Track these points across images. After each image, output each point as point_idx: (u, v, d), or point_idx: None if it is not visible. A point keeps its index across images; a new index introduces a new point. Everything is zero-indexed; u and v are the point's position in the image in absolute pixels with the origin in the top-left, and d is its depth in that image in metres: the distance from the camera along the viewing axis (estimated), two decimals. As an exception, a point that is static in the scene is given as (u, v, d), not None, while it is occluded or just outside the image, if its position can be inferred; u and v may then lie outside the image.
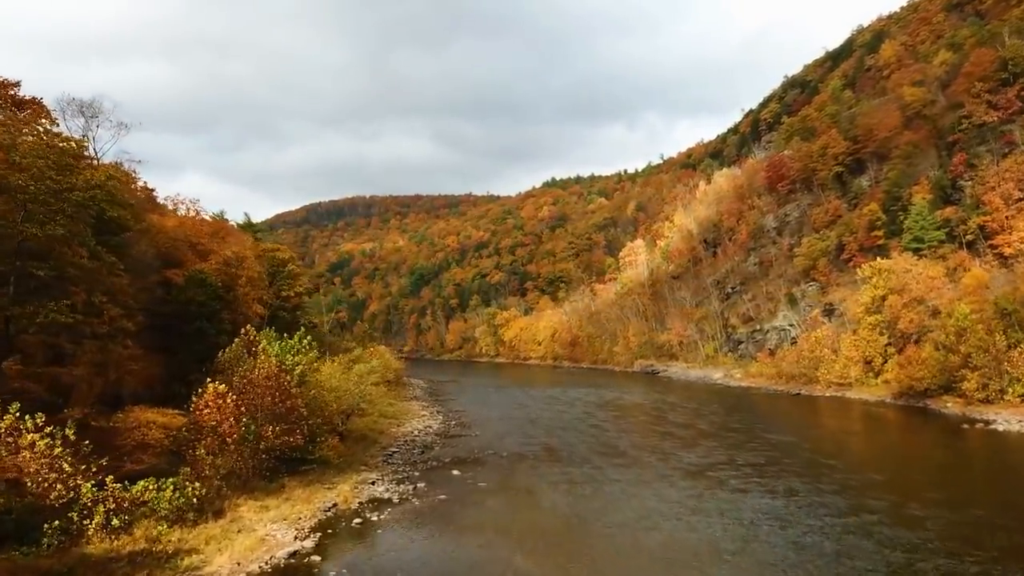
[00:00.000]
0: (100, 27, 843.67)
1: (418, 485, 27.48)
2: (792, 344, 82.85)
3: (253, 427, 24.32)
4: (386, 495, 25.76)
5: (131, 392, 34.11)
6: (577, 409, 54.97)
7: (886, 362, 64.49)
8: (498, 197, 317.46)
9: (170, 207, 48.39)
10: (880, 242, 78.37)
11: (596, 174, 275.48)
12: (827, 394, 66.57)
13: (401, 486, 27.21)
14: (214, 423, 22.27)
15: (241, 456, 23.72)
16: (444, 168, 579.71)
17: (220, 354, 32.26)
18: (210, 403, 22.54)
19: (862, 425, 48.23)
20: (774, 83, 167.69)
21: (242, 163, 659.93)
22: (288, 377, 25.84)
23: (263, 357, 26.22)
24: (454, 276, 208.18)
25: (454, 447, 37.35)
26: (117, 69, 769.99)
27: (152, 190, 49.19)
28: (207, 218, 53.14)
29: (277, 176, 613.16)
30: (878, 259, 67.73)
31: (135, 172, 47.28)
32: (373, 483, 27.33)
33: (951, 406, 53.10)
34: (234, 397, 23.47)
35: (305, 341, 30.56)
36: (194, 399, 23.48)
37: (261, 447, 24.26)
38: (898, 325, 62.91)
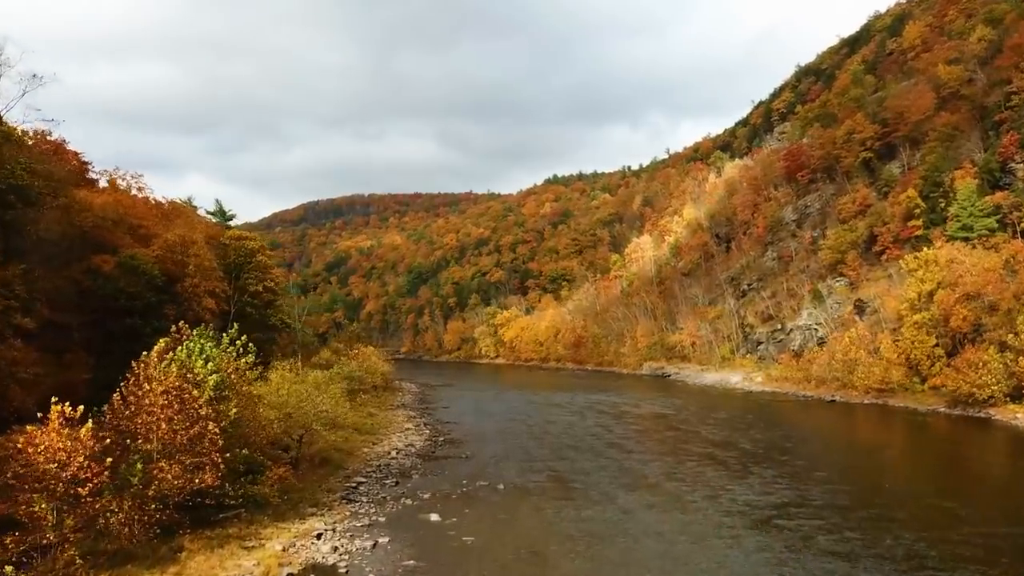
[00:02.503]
0: (101, 28, 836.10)
1: (379, 540, 19.92)
2: (820, 345, 75.54)
3: (139, 465, 17.01)
4: (331, 559, 18.20)
5: (21, 406, 26.74)
6: (588, 421, 47.30)
7: (933, 365, 57.05)
8: (499, 195, 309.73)
9: (106, 182, 40.85)
10: (919, 232, 71.03)
11: (599, 171, 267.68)
12: (866, 401, 59.35)
13: (356, 541, 19.66)
14: (55, 465, 14.80)
15: (121, 508, 16.40)
16: (447, 169, 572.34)
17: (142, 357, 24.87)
18: (55, 434, 15.13)
19: (935, 443, 40.54)
20: (779, 83, 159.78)
21: (244, 164, 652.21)
22: (196, 392, 18.50)
23: (158, 366, 18.86)
24: (453, 275, 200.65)
25: (438, 475, 29.76)
26: (118, 70, 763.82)
27: (87, 163, 41.72)
28: (160, 199, 45.63)
29: (279, 177, 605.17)
30: (925, 249, 60.19)
31: (64, 140, 39.84)
32: (319, 536, 19.85)
33: (1022, 417, 45.77)
34: (94, 424, 16.11)
35: (240, 343, 23.14)
36: (28, 428, 15.89)
37: (151, 493, 16.94)
38: (949, 323, 55.37)
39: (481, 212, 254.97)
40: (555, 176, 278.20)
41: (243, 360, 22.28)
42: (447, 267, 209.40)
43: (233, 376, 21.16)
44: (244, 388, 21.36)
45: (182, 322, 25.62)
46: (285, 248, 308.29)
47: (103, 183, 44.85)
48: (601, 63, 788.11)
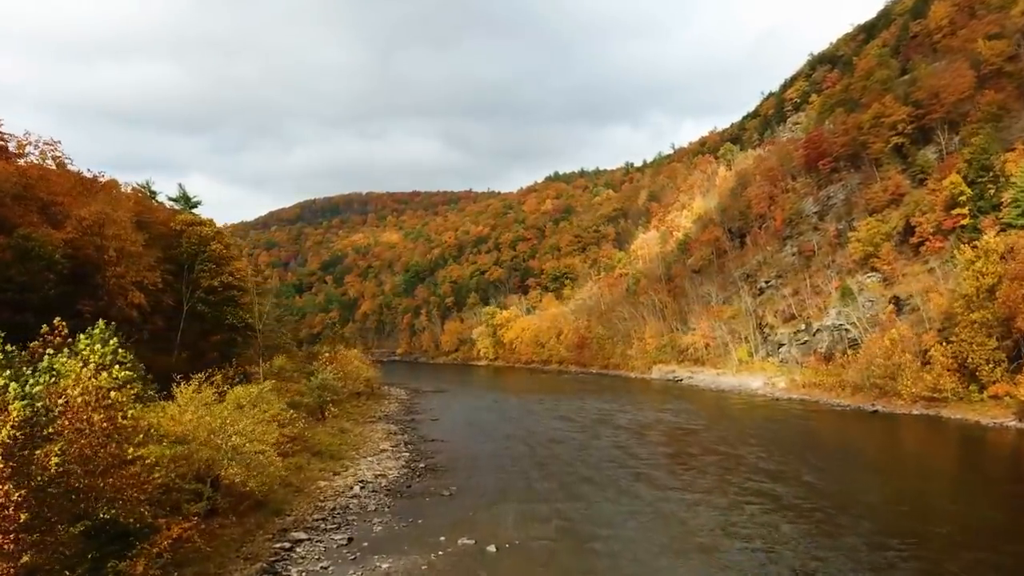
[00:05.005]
0: (106, 28, 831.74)
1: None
2: (852, 348, 68.16)
3: None
4: None
5: None
6: (603, 439, 39.58)
7: (994, 370, 49.74)
8: (499, 193, 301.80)
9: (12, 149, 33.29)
10: (964, 221, 63.73)
11: (602, 168, 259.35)
12: (914, 412, 52.04)
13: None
14: None
15: None
16: (450, 169, 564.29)
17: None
18: None
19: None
20: (790, 73, 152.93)
21: (247, 165, 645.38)
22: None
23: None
24: (451, 273, 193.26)
25: (408, 525, 22.03)
26: (123, 70, 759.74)
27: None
28: (89, 173, 38.11)
29: (281, 177, 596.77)
30: (985, 237, 52.85)
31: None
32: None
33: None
34: None
35: (108, 348, 15.68)
36: None
37: None
38: (1016, 322, 47.98)
39: (480, 210, 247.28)
40: (556, 173, 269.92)
41: (104, 376, 14.79)
42: (445, 265, 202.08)
43: (81, 399, 13.81)
44: (98, 418, 14.01)
45: (58, 319, 18.28)
46: (281, 247, 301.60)
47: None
48: (603, 64, 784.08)
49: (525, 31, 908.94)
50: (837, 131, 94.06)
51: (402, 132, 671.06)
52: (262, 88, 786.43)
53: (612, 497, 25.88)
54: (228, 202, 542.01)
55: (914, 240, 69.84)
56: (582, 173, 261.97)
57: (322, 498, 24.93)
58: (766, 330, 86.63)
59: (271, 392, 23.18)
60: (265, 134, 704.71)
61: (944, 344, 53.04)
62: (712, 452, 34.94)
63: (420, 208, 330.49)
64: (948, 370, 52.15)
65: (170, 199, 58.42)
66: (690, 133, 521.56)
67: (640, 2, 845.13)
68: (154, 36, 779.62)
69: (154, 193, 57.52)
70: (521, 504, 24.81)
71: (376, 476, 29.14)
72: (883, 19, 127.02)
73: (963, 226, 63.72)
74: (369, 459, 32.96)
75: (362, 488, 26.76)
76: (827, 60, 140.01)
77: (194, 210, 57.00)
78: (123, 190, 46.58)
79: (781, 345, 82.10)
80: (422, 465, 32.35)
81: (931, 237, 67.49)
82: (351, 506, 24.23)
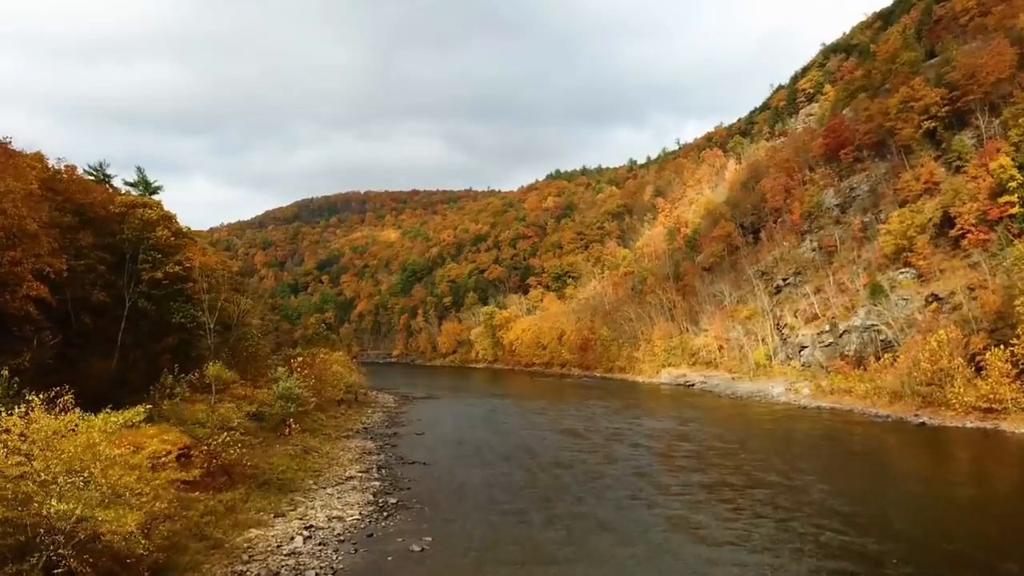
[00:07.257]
0: (107, 28, 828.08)
1: None
2: (885, 350, 61.67)
3: None
4: None
5: None
6: (621, 465, 32.36)
7: (1062, 378, 43.29)
8: (499, 191, 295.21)
9: None
10: (1014, 210, 57.28)
11: (604, 166, 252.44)
12: (968, 424, 45.66)
13: None
14: None
15: None
16: (451, 169, 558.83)
17: None
18: None
19: None
20: (792, 74, 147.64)
21: (247, 165, 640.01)
22: None
23: None
24: (449, 272, 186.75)
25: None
26: (124, 70, 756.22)
27: None
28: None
29: (283, 177, 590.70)
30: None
31: None
32: None
33: None
34: None
35: None
36: None
37: None
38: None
39: (480, 208, 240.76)
40: (558, 171, 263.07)
41: None
42: (443, 264, 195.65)
43: None
44: None
45: None
46: (278, 246, 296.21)
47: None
48: (606, 64, 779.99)
49: (528, 31, 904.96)
50: (860, 118, 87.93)
51: (405, 133, 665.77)
52: (263, 88, 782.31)
53: (642, 557, 18.76)
54: (229, 203, 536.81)
55: (953, 232, 63.34)
56: (584, 171, 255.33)
57: (247, 557, 18.25)
58: (785, 331, 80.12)
59: (137, 415, 16.28)
60: (266, 135, 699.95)
61: (1000, 347, 46.62)
62: (760, 483, 27.76)
63: (419, 207, 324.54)
64: (1007, 377, 45.78)
65: (127, 183, 52.13)
66: (693, 134, 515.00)
67: (643, 3, 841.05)
68: (155, 36, 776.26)
69: (108, 176, 51.22)
70: (516, 568, 17.84)
71: (330, 519, 22.36)
72: (900, 5, 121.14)
73: (1012, 215, 57.38)
74: (328, 491, 26.21)
75: (307, 539, 20.04)
76: (841, 49, 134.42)
77: (154, 196, 50.59)
78: (56, 166, 40.06)
79: (803, 347, 75.64)
80: (393, 500, 25.43)
81: (974, 228, 61.03)
82: (283, 571, 17.57)
